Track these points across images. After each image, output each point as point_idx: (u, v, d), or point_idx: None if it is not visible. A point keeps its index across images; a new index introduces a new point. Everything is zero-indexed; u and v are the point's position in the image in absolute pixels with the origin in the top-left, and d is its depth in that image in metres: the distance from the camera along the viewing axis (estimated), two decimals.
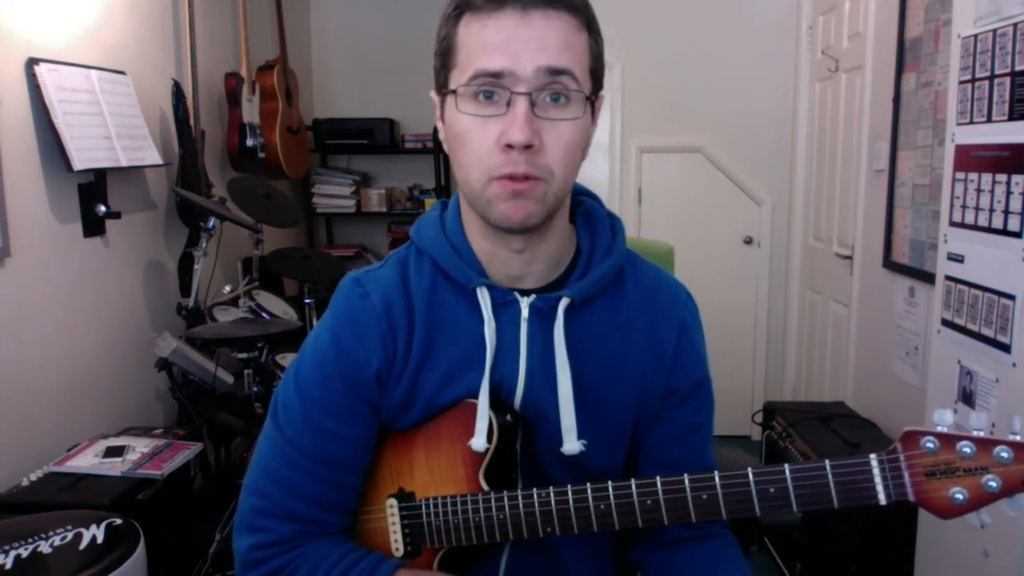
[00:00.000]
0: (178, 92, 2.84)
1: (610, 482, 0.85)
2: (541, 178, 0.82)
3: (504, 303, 0.92)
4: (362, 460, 0.94)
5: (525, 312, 0.91)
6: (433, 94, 0.90)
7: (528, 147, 0.80)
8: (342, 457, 0.92)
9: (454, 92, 0.83)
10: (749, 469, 0.80)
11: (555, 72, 0.80)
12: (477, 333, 0.91)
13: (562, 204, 0.90)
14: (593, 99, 0.86)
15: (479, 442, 0.88)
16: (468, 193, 0.87)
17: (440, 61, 0.87)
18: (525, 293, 0.92)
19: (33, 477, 2.04)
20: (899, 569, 2.04)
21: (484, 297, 0.91)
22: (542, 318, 0.92)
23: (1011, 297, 1.53)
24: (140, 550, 1.66)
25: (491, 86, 0.81)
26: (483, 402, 0.89)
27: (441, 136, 0.92)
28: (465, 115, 0.83)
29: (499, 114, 0.81)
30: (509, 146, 0.80)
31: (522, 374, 0.92)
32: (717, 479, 0.81)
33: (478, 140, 0.82)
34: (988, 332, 1.60)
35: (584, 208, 1.00)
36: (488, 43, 0.80)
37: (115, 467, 2.06)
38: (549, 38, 0.80)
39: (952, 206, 1.74)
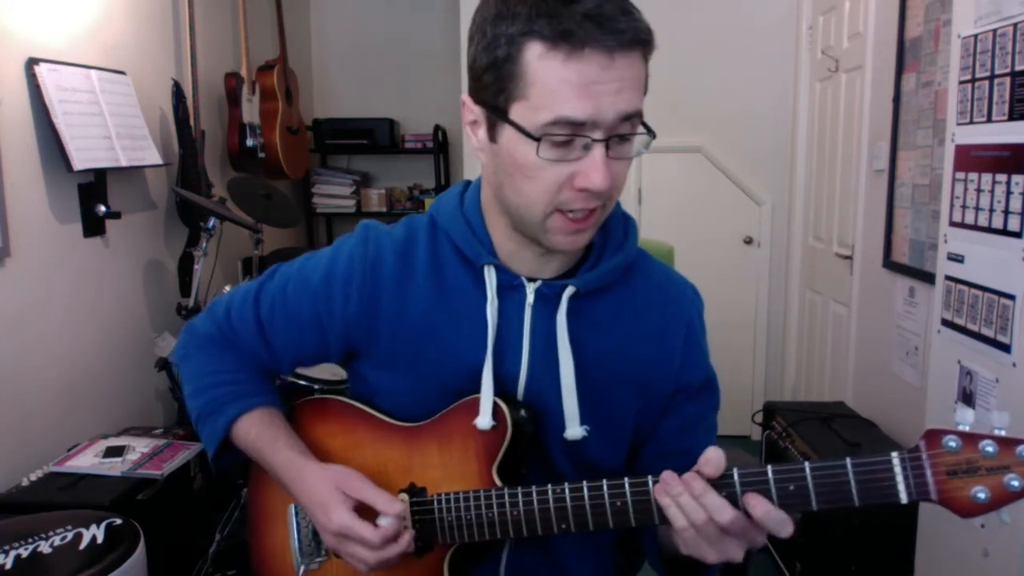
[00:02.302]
0: (178, 92, 2.84)
1: (627, 479, 0.83)
2: (603, 206, 0.85)
3: (511, 286, 0.93)
4: (294, 360, 1.03)
5: (530, 298, 0.92)
6: (468, 99, 0.86)
7: None
8: (282, 344, 1.01)
9: (522, 129, 0.79)
10: (769, 467, 0.78)
11: (629, 116, 0.79)
12: (481, 312, 0.92)
13: None
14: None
15: (484, 421, 0.89)
16: (523, 216, 0.86)
17: (494, 77, 0.80)
18: (533, 281, 0.93)
19: (33, 477, 2.04)
20: (899, 569, 2.03)
21: (490, 276, 0.92)
22: (546, 304, 0.93)
23: (1011, 297, 1.53)
24: (140, 550, 1.67)
25: (571, 133, 0.78)
26: (487, 380, 0.90)
27: (473, 144, 0.89)
28: (540, 157, 0.80)
29: (575, 158, 0.80)
30: (585, 188, 0.80)
31: (525, 359, 0.93)
32: (736, 476, 0.79)
33: (549, 177, 0.81)
34: (988, 332, 1.60)
35: None
36: (571, 87, 0.76)
37: (115, 467, 2.06)
38: (628, 80, 0.78)
39: (952, 206, 1.74)
